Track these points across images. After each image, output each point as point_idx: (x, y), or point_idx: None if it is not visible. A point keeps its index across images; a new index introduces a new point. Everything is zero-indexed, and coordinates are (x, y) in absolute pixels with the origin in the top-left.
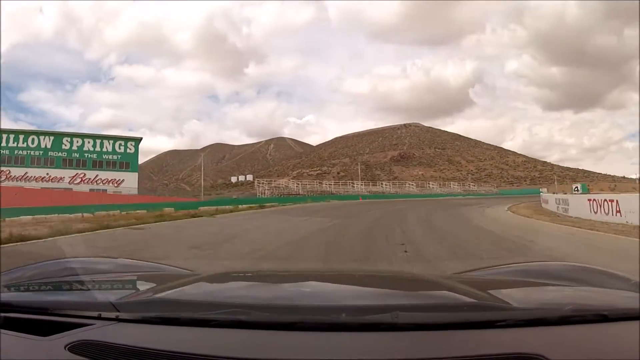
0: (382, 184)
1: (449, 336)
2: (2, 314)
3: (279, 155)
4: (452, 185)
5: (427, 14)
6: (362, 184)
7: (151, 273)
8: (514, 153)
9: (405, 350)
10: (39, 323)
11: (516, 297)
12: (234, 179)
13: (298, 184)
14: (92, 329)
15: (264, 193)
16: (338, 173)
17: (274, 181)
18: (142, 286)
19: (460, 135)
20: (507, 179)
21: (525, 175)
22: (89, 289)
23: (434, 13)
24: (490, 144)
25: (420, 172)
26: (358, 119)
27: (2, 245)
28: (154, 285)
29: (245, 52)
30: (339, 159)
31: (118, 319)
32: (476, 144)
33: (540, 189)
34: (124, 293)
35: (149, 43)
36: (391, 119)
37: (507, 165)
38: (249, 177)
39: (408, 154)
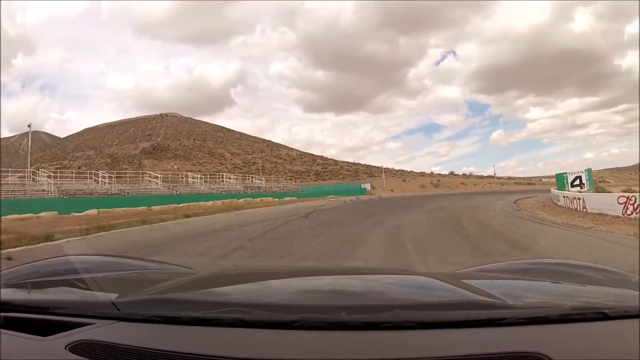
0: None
1: (450, 334)
2: (2, 314)
3: (32, 150)
4: (226, 180)
5: (198, 11)
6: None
7: (152, 272)
8: (285, 146)
9: (406, 348)
10: (39, 323)
11: (517, 295)
12: None
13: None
14: (92, 328)
15: None
16: (79, 167)
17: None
18: (143, 285)
19: (222, 127)
20: (286, 173)
21: (308, 170)
22: (89, 288)
23: (206, 11)
24: (257, 137)
25: (175, 165)
26: (119, 116)
27: None
28: (155, 284)
29: (16, 42)
30: (82, 152)
31: (118, 319)
32: (241, 136)
33: (363, 185)
34: (125, 292)
35: None
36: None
37: (281, 158)
38: None
39: (162, 145)
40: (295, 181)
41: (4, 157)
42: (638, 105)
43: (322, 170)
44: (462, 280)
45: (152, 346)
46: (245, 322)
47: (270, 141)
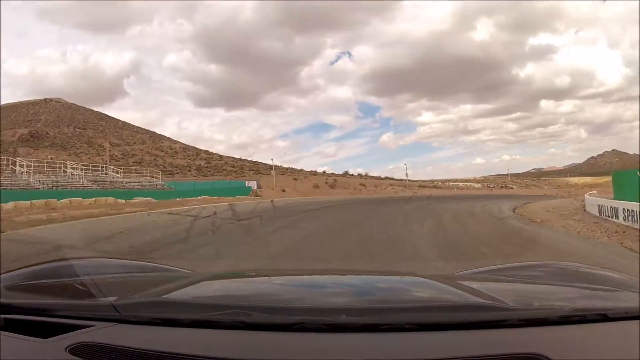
0: None
1: (450, 337)
2: (3, 316)
3: None
4: (69, 171)
5: None
6: None
7: (152, 274)
8: (169, 139)
9: (406, 351)
10: (39, 325)
11: (517, 297)
12: None
13: None
14: (92, 330)
15: None
16: None
17: None
18: (143, 287)
19: (106, 115)
20: (165, 167)
21: (189, 164)
22: (89, 290)
23: None
24: (141, 127)
25: (50, 155)
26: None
27: None
28: (155, 286)
29: None
30: None
31: (119, 321)
32: (124, 125)
33: (248, 183)
34: (125, 294)
35: None
36: None
37: (163, 151)
38: None
39: (40, 132)
40: (174, 176)
41: None
42: (532, 114)
43: (205, 165)
44: (463, 283)
45: (152, 348)
46: (246, 324)
47: (154, 132)
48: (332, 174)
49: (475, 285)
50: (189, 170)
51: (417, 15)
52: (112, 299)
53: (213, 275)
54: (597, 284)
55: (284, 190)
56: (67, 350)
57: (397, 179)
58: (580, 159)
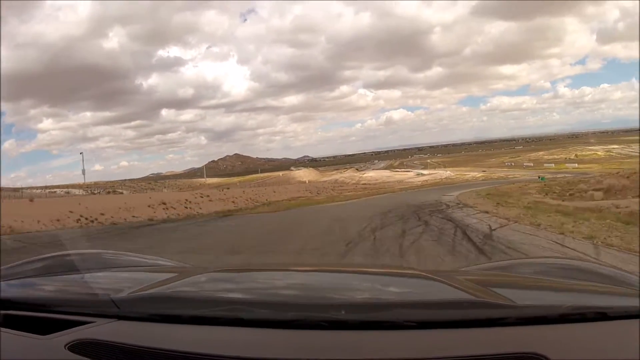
0: None
1: (449, 334)
2: (2, 311)
3: None
4: None
5: None
6: None
7: (151, 269)
8: None
9: (405, 348)
10: (38, 321)
11: (516, 295)
12: None
13: None
14: (92, 327)
15: None
16: None
17: None
18: (143, 282)
19: None
20: None
21: None
22: (89, 286)
23: None
24: None
25: None
26: None
27: None
28: (155, 281)
29: None
30: None
31: (118, 316)
32: None
33: None
34: (124, 289)
35: None
36: None
37: None
38: None
39: None
40: None
41: None
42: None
43: None
44: (463, 279)
45: (151, 345)
46: (245, 321)
47: None
48: None
49: (475, 282)
50: None
51: (56, 16)
52: (112, 294)
53: (212, 271)
54: (597, 282)
55: None
56: (66, 347)
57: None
58: (199, 163)
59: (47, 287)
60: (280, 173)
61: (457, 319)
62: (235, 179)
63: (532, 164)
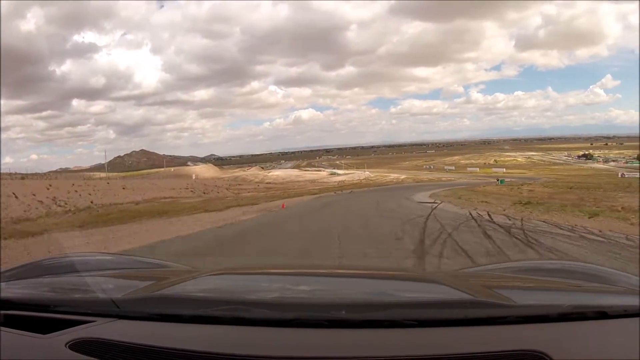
0: None
1: (450, 333)
2: (2, 311)
3: None
4: None
5: None
6: None
7: (152, 269)
8: None
9: (405, 347)
10: (39, 320)
11: (516, 294)
12: None
13: None
14: (92, 326)
15: None
16: None
17: None
18: (143, 283)
19: None
20: None
21: None
22: (89, 286)
23: None
24: None
25: None
26: None
27: None
28: (155, 281)
29: None
30: None
31: (119, 316)
32: None
33: None
34: (124, 290)
35: None
36: None
37: None
38: None
39: None
40: None
41: None
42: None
43: None
44: (464, 280)
45: (151, 344)
46: (245, 320)
47: None
48: None
49: (476, 282)
50: None
51: None
52: (112, 294)
53: (212, 271)
54: (597, 281)
55: None
56: (67, 346)
57: None
58: (107, 159)
59: (48, 288)
60: (172, 168)
61: (458, 318)
62: (136, 173)
63: (453, 168)
